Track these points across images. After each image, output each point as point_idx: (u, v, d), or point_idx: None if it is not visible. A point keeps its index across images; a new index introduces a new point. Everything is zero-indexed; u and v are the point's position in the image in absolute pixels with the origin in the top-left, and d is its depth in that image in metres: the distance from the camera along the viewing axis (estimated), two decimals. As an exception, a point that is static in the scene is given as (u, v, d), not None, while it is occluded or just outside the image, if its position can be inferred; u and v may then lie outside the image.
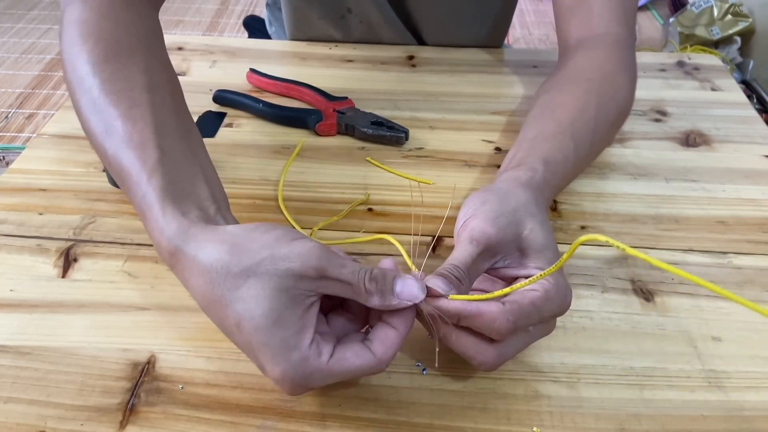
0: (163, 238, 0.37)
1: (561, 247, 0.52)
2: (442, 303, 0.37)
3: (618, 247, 0.31)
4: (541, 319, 0.38)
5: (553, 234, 0.42)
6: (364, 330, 0.39)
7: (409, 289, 0.36)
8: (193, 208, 0.39)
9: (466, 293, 0.38)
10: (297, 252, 0.35)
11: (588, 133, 0.52)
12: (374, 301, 0.36)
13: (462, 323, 0.38)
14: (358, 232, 0.54)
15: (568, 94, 0.55)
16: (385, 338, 0.36)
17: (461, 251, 0.39)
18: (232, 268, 0.34)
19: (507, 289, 0.37)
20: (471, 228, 0.40)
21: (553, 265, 0.35)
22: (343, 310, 0.40)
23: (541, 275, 0.36)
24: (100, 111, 0.43)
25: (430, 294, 0.37)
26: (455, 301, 0.37)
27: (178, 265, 0.37)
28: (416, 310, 0.38)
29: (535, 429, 0.40)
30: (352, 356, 0.35)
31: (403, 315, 0.37)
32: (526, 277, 0.39)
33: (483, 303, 0.37)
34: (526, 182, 0.44)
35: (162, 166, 0.40)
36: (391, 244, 0.46)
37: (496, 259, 0.40)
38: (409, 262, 0.44)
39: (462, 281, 0.38)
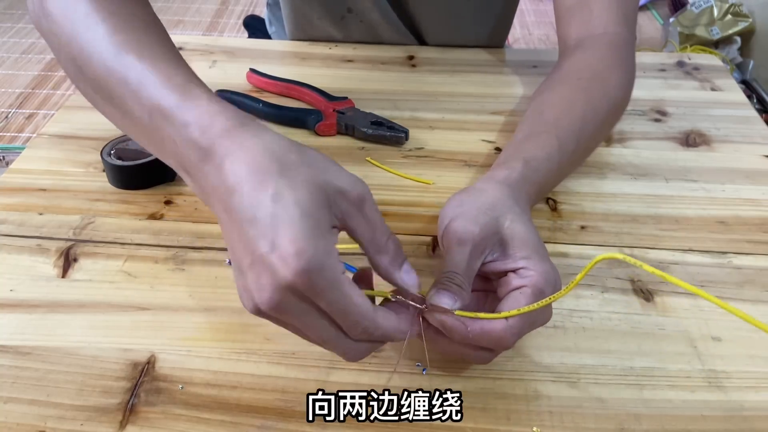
0: (217, 118, 0.36)
1: (562, 247, 0.53)
2: (449, 323, 0.37)
3: (636, 264, 0.33)
4: (537, 314, 0.39)
5: (533, 225, 0.42)
6: None
7: (412, 278, 0.37)
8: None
9: (469, 297, 0.39)
10: (347, 174, 0.35)
11: (575, 131, 0.52)
12: (383, 260, 0.36)
13: (467, 341, 0.38)
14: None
15: (557, 94, 0.56)
16: (388, 314, 0.36)
17: (453, 256, 0.40)
18: (291, 151, 0.35)
19: (514, 311, 0.37)
20: (455, 231, 0.40)
21: (567, 287, 0.37)
22: None
23: (552, 298, 0.37)
24: (109, 36, 0.42)
25: (436, 310, 0.37)
26: (461, 326, 0.37)
27: (228, 140, 0.35)
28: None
29: (535, 429, 0.40)
30: (360, 297, 0.34)
31: (407, 317, 0.37)
32: (514, 271, 0.40)
33: (487, 322, 0.37)
34: (502, 180, 0.45)
35: (195, 78, 0.41)
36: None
37: (485, 255, 0.41)
38: None
39: (463, 287, 0.38)
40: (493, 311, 0.39)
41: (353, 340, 0.36)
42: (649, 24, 2.39)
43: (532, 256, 0.40)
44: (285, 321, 0.35)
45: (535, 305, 0.37)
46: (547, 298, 0.37)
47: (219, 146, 0.35)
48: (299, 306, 0.33)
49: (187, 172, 0.38)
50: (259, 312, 0.34)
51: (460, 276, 0.39)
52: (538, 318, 0.40)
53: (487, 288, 0.42)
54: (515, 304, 0.38)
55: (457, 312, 0.37)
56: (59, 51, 0.45)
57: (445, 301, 0.37)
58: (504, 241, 0.41)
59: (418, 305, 0.38)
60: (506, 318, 0.37)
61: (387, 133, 0.64)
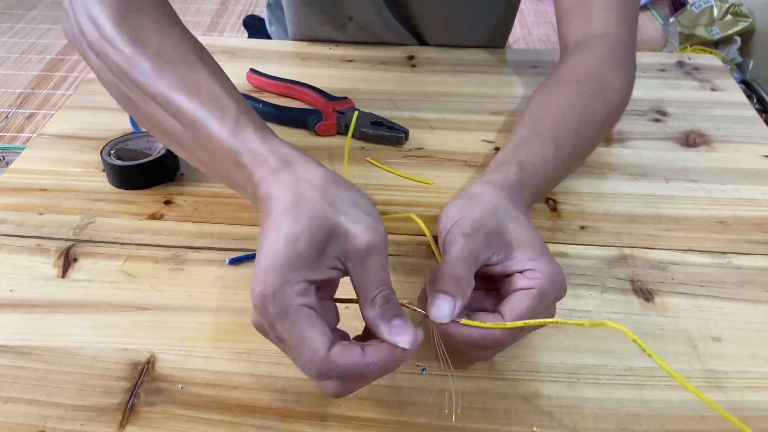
0: (269, 159, 0.39)
1: (562, 247, 0.53)
2: (450, 328, 0.37)
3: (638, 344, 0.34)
4: (540, 315, 0.39)
5: (533, 227, 0.42)
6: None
7: (399, 334, 0.35)
8: None
9: (470, 291, 0.38)
10: (367, 223, 0.36)
11: (571, 135, 0.52)
12: (369, 313, 0.36)
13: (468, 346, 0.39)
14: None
15: (555, 96, 0.55)
16: (350, 350, 0.34)
17: (458, 249, 0.39)
18: (318, 189, 0.36)
19: (520, 323, 0.37)
20: (462, 227, 0.40)
21: (574, 320, 0.38)
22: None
23: (555, 321, 0.37)
24: (158, 72, 0.44)
25: (443, 325, 0.37)
26: (462, 331, 0.37)
27: (274, 181, 0.38)
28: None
29: (535, 429, 0.40)
30: (315, 334, 0.34)
31: (382, 351, 0.35)
32: (521, 272, 0.39)
33: (486, 330, 0.37)
34: (498, 183, 0.45)
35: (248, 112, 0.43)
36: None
37: (489, 255, 0.40)
38: (434, 247, 0.44)
39: (463, 284, 0.38)
40: (494, 310, 0.39)
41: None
42: (649, 24, 2.39)
43: (539, 258, 0.39)
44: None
45: (540, 321, 0.37)
46: (552, 320, 0.37)
47: (265, 187, 0.38)
48: (267, 330, 0.35)
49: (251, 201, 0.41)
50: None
51: (461, 279, 0.38)
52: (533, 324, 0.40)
53: (489, 287, 0.42)
54: (518, 305, 0.38)
55: (463, 321, 0.37)
56: (108, 84, 0.48)
57: (444, 307, 0.37)
58: (509, 243, 0.40)
59: (422, 311, 0.38)
60: (501, 313, 0.38)
61: (387, 133, 0.64)
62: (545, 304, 0.39)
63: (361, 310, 0.36)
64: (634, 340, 0.34)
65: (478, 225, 0.40)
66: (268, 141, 0.40)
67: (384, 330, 0.35)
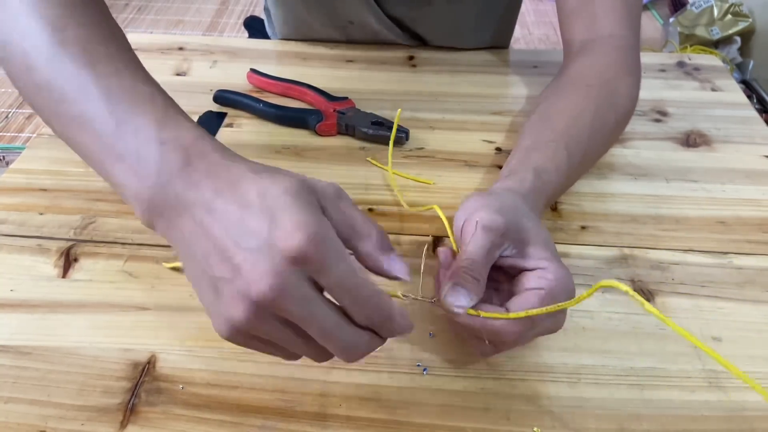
0: (201, 142, 0.36)
1: (562, 247, 0.53)
2: (457, 318, 0.38)
3: (637, 300, 0.32)
4: (547, 316, 0.39)
5: (547, 231, 0.43)
6: None
7: (401, 266, 0.35)
8: None
9: (483, 289, 0.39)
10: (320, 180, 0.35)
11: (583, 142, 0.52)
12: (366, 246, 0.35)
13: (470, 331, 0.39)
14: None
15: (566, 102, 0.55)
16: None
17: (476, 242, 0.39)
18: (267, 168, 0.35)
19: (522, 313, 0.37)
20: (481, 219, 0.40)
21: (572, 300, 0.37)
22: None
23: (558, 306, 0.37)
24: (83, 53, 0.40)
25: (446, 309, 0.38)
26: (466, 319, 0.38)
27: (202, 160, 0.35)
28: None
29: (535, 429, 0.40)
30: (364, 272, 0.33)
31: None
32: (533, 270, 0.40)
33: (487, 320, 0.38)
34: (515, 190, 0.45)
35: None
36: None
37: (504, 248, 0.41)
38: (452, 238, 0.44)
39: (480, 279, 0.38)
40: (501, 305, 0.39)
41: (355, 331, 0.34)
42: (649, 24, 2.39)
43: (552, 259, 0.40)
44: (285, 310, 0.32)
45: (537, 310, 0.37)
46: (547, 308, 0.37)
47: (200, 162, 0.35)
48: (302, 290, 0.31)
49: (146, 185, 0.37)
50: (249, 317, 0.32)
51: (479, 266, 0.39)
52: (545, 323, 0.40)
53: (498, 285, 0.43)
54: (525, 304, 0.38)
55: (468, 311, 0.37)
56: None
57: (461, 300, 0.37)
58: (524, 240, 0.41)
59: (428, 300, 0.39)
60: (506, 308, 0.38)
61: (387, 133, 0.64)
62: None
63: (354, 250, 0.35)
64: (627, 292, 0.33)
65: (497, 216, 0.40)
66: (199, 127, 0.38)
67: (384, 262, 0.35)
